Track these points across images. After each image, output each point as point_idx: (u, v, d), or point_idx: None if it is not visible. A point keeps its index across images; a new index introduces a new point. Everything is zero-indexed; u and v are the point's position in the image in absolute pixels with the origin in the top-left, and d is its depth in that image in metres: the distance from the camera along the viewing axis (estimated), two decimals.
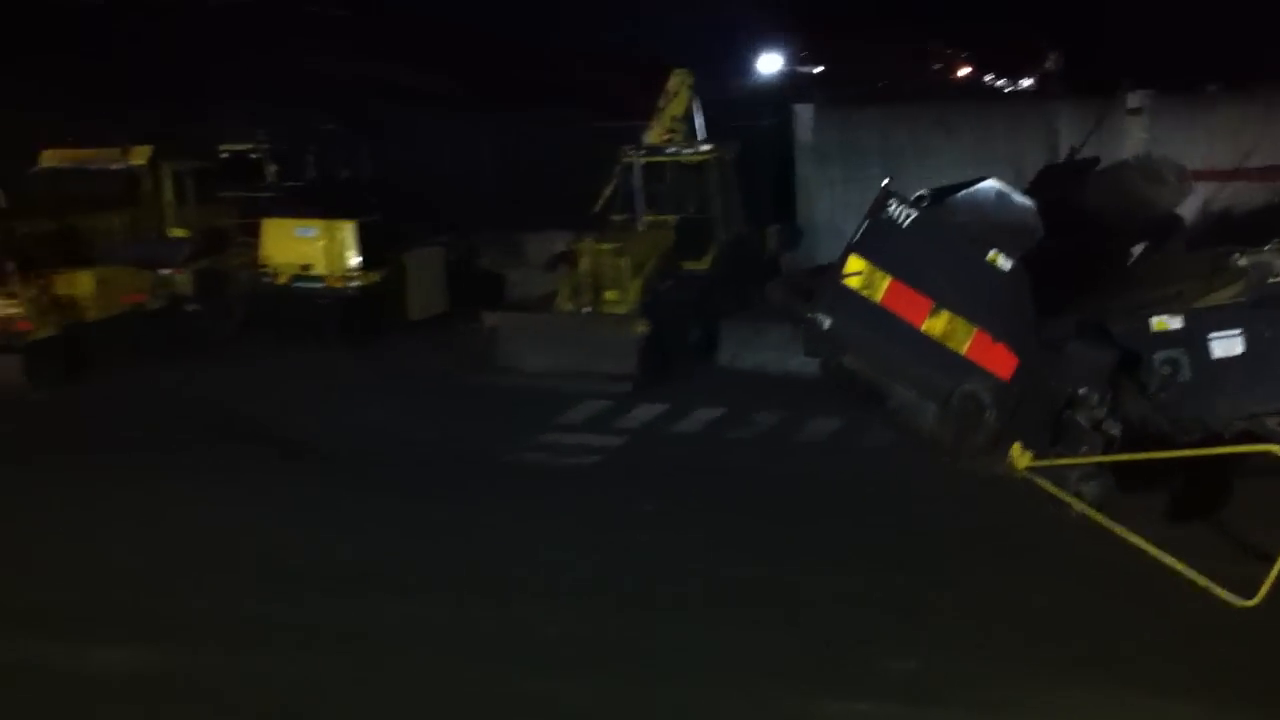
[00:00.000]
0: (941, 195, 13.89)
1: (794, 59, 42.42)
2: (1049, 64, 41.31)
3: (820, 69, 42.28)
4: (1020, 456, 12.37)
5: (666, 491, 13.84)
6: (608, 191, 22.48)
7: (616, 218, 22.04)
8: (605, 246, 19.76)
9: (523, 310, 20.69)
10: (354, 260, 21.41)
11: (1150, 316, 12.85)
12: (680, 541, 12.27)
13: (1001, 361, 12.88)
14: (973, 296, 13.01)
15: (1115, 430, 12.19)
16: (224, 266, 22.42)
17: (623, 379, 18.01)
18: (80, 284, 19.45)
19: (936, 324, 13.13)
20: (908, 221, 13.17)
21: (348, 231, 21.42)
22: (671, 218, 21.67)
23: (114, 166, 24.37)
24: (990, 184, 13.98)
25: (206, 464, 15.07)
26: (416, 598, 10.98)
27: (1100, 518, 11.60)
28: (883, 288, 13.26)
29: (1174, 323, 12.74)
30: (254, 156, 25.55)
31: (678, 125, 22.82)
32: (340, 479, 14.56)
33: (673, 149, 22.32)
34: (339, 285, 21.40)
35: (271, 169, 25.30)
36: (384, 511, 13.24)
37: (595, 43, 40.36)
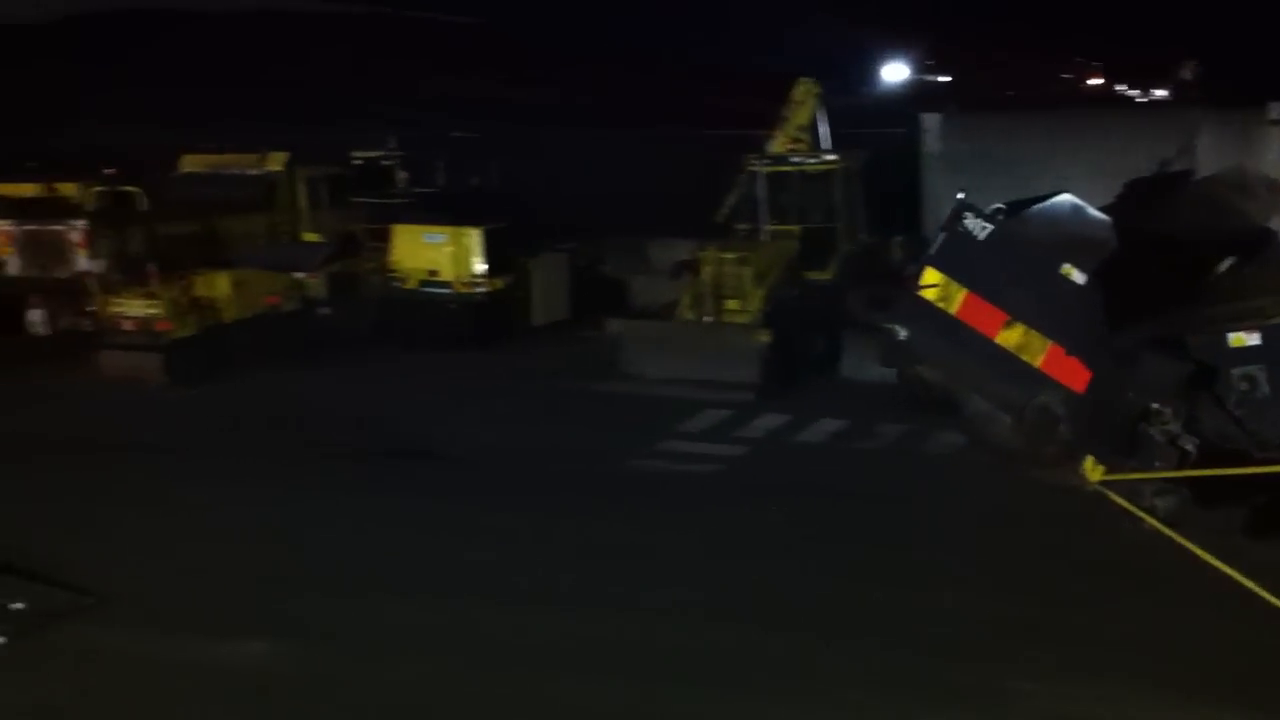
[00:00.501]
0: (1017, 209, 13.92)
1: (920, 67, 42.02)
2: (1186, 73, 40.24)
3: (947, 78, 41.80)
4: (1093, 470, 12.53)
5: (787, 503, 13.78)
6: (731, 200, 22.52)
7: (740, 227, 22.05)
8: (728, 255, 19.75)
9: (646, 318, 20.77)
10: (480, 266, 21.72)
11: (1228, 331, 12.70)
12: (801, 556, 12.23)
13: (1075, 374, 12.96)
14: (1047, 309, 13.13)
15: (1191, 445, 12.14)
16: (355, 271, 22.92)
17: (744, 388, 17.99)
18: (218, 286, 20.06)
19: (1011, 336, 13.32)
20: (983, 235, 13.40)
21: (475, 238, 21.74)
22: (795, 227, 21.62)
23: (251, 172, 25.16)
24: (1065, 198, 13.96)
25: (336, 467, 15.42)
26: (530, 606, 11.12)
27: (1174, 534, 11.36)
28: (958, 300, 13.56)
29: (1252, 338, 12.62)
30: (385, 163, 26.10)
31: (802, 135, 22.76)
32: (462, 484, 14.78)
33: (797, 158, 22.25)
34: (465, 290, 21.73)
35: (402, 176, 25.82)
36: (506, 519, 13.38)
37: (718, 54, 40.52)
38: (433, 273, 21.82)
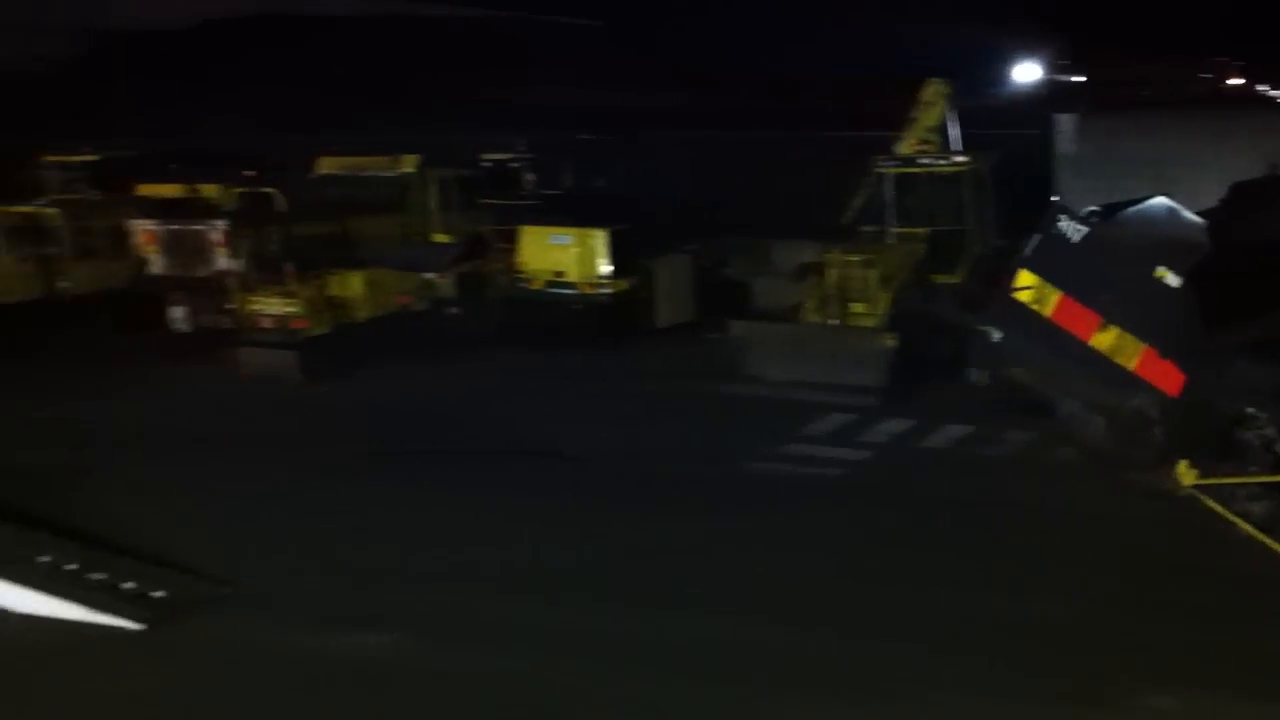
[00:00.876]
0: (1112, 211, 13.77)
1: (1053, 67, 41.12)
2: None
3: (1081, 77, 40.86)
4: (1186, 473, 12.25)
5: (909, 510, 13.63)
6: (858, 202, 22.31)
7: (866, 229, 21.84)
8: (854, 258, 19.59)
9: (769, 320, 20.70)
10: (605, 267, 21.87)
11: None
12: (921, 565, 12.09)
13: (1169, 377, 12.85)
14: (1141, 312, 12.99)
15: None
16: (483, 271, 23.28)
17: (869, 392, 17.82)
18: (352, 285, 20.56)
19: (1105, 339, 13.24)
20: (1078, 237, 13.35)
21: (600, 239, 21.90)
22: (923, 230, 21.33)
23: (385, 174, 25.74)
24: (1160, 201, 13.78)
25: (459, 464, 15.67)
26: (653, 609, 11.17)
27: (1267, 539, 11.09)
28: (1053, 302, 13.56)
29: None
30: (513, 166, 26.44)
31: (931, 136, 22.45)
32: (581, 484, 14.90)
33: (926, 160, 21.95)
34: (590, 291, 21.91)
35: (529, 178, 26.12)
36: (626, 522, 13.46)
37: (844, 55, 40.23)
38: (558, 274, 22.04)
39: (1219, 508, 11.92)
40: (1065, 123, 24.68)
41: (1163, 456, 12.79)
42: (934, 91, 22.57)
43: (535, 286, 22.17)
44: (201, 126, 44.13)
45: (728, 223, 25.59)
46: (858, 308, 19.38)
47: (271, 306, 19.84)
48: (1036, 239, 13.88)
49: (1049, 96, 34.81)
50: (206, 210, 24.20)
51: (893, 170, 21.59)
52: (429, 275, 22.02)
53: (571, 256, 21.96)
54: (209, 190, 26.15)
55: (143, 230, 23.13)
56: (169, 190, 26.48)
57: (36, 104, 51.27)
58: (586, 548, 12.65)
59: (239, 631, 10.81)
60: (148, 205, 24.74)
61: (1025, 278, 13.92)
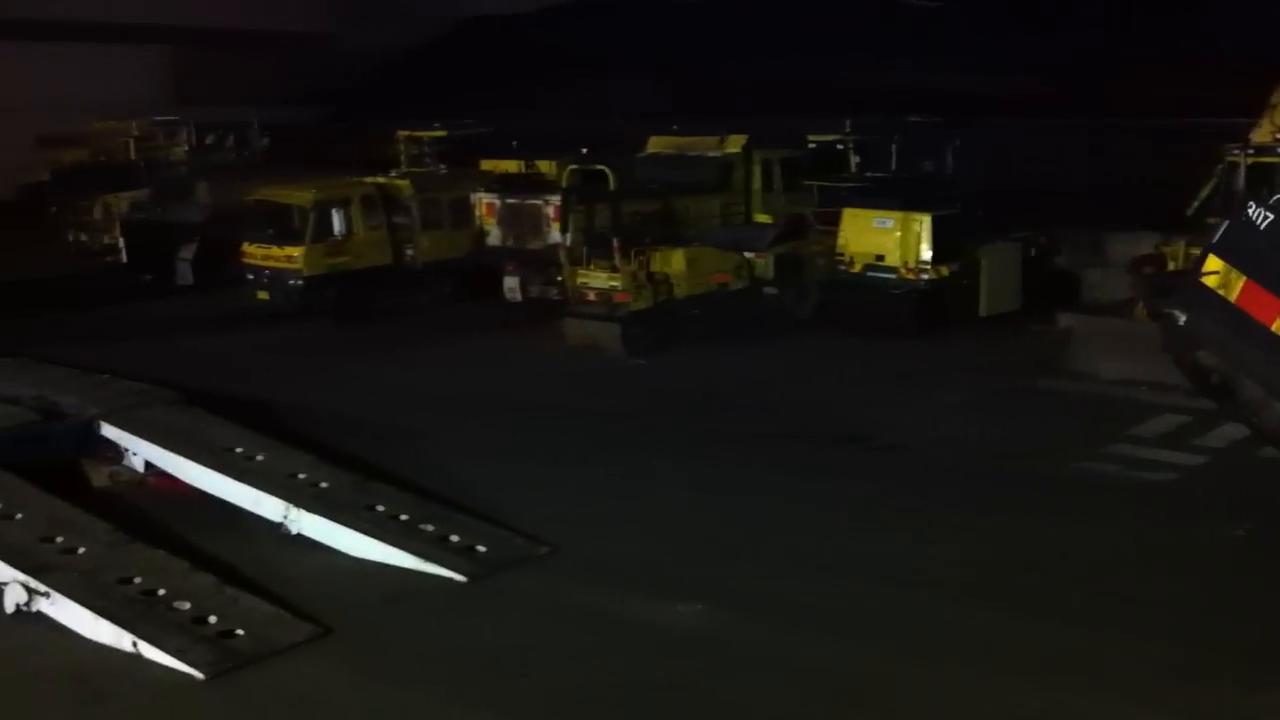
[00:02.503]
0: None
1: None
2: None
3: None
4: None
5: (1248, 521, 12.77)
6: (1204, 193, 20.90)
7: (1211, 221, 20.44)
8: (1196, 250, 18.40)
9: (1099, 314, 19.78)
10: (927, 253, 21.44)
11: None
12: (1254, 580, 11.37)
13: None
14: None
15: None
16: (802, 253, 23.27)
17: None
18: (674, 262, 21.00)
19: None
20: (1264, 224, 13.59)
21: (924, 224, 21.47)
22: None
23: (711, 154, 26.10)
24: None
25: (769, 445, 15.83)
26: (964, 601, 10.97)
27: None
28: (1238, 287, 13.71)
29: None
30: (839, 147, 26.24)
31: None
32: (891, 472, 14.77)
33: None
34: (911, 277, 21.53)
35: (854, 160, 25.88)
36: (937, 513, 13.26)
37: (1187, 38, 37.70)
38: (879, 258, 21.76)
39: None
40: None
41: None
42: None
43: (855, 270, 21.97)
44: (541, 105, 46.07)
45: (1059, 211, 24.57)
46: None
47: (597, 280, 20.54)
48: (1226, 225, 14.17)
49: None
50: (543, 186, 25.28)
51: (1247, 159, 20.11)
52: (748, 254, 22.21)
53: (894, 240, 21.63)
54: (545, 167, 27.27)
55: (484, 203, 24.39)
56: (509, 166, 27.79)
57: (397, 85, 55.04)
58: (897, 535, 12.56)
59: (553, 590, 11.30)
60: (489, 180, 26.07)
61: (1213, 263, 14.04)
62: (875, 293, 21.63)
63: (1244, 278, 13.79)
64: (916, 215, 21.57)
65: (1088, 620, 10.48)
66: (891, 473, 14.71)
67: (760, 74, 41.60)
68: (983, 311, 22.20)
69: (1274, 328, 13.50)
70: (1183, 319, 14.34)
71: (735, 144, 26.15)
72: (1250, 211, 13.88)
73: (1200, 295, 13.98)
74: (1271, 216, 13.53)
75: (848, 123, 26.61)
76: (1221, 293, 13.84)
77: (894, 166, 24.74)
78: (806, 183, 25.44)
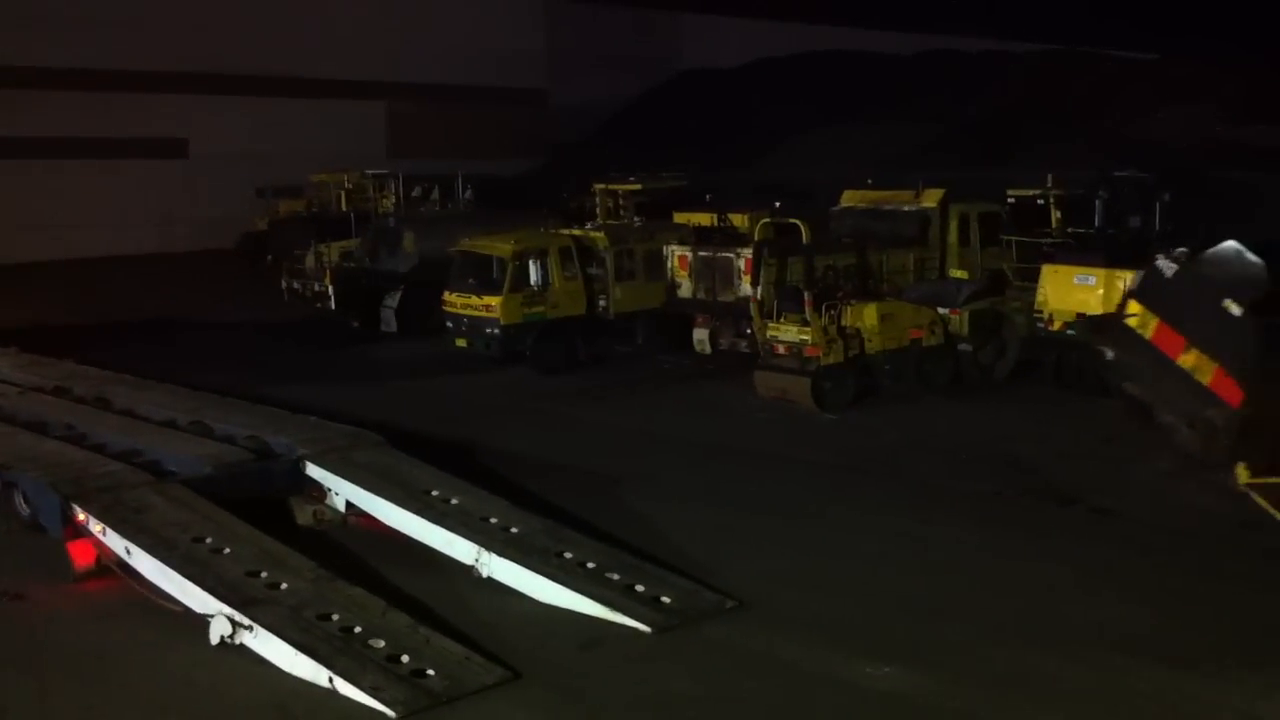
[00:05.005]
0: (1197, 253, 16.63)
1: None
2: None
3: None
4: (1242, 473, 15.29)
5: None
6: None
7: None
8: None
9: None
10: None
11: None
12: None
13: (1232, 392, 15.57)
14: (1213, 336, 15.89)
15: None
16: (999, 309, 22.76)
17: None
18: (867, 317, 20.80)
19: (1188, 359, 16.15)
20: (1170, 273, 16.61)
21: (1128, 282, 20.72)
22: None
23: (906, 208, 25.84)
24: (1230, 244, 16.26)
25: (974, 502, 15.56)
26: (1188, 673, 10.53)
27: None
28: (1152, 327, 16.63)
29: None
30: (1040, 202, 25.63)
31: None
32: (1100, 534, 14.29)
33: None
34: None
35: (1056, 215, 25.24)
36: (1175, 585, 12.74)
37: None
38: (1081, 315, 21.13)
39: (1267, 505, 14.33)
40: None
41: (1232, 459, 15.36)
42: None
43: (1054, 328, 21.37)
44: (745, 158, 46.51)
45: None
46: None
47: (787, 334, 20.49)
48: (1141, 274, 17.20)
49: None
50: (735, 238, 25.41)
51: None
52: (943, 310, 21.84)
53: (1097, 299, 20.96)
54: (737, 220, 27.41)
55: (676, 255, 24.64)
56: (702, 219, 28.03)
57: (607, 137, 56.54)
58: (1112, 599, 12.22)
59: (743, 644, 11.22)
60: (683, 232, 26.35)
61: (1133, 306, 16.97)
62: (1076, 351, 20.99)
63: (1157, 319, 16.58)
64: (1121, 272, 20.83)
65: None
66: (1096, 533, 14.25)
67: (965, 119, 41.04)
68: None
69: (1178, 361, 16.20)
70: (1109, 354, 17.30)
71: (931, 198, 25.83)
72: (1160, 263, 16.78)
73: (1124, 334, 16.89)
74: (1175, 267, 16.57)
75: (1049, 177, 25.99)
76: (1141, 331, 16.69)
77: (1098, 223, 23.98)
78: (1005, 238, 24.95)
